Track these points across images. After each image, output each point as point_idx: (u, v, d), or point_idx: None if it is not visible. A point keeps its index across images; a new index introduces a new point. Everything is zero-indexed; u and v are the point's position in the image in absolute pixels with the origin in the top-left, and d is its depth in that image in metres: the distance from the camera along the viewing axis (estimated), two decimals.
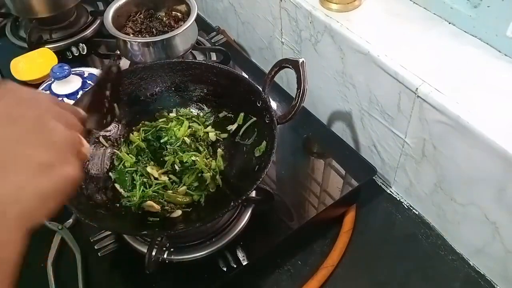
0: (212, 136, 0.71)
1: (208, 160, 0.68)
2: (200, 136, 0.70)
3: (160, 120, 0.73)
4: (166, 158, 0.68)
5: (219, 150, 0.70)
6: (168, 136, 0.70)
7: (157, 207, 0.62)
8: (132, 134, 0.71)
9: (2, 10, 1.10)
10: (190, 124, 0.71)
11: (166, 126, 0.71)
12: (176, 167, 0.67)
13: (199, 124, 0.72)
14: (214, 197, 0.65)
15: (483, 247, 0.65)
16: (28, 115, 0.38)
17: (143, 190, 0.64)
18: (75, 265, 0.66)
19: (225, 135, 0.72)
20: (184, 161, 0.67)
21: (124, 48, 0.86)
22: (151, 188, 0.64)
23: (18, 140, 0.36)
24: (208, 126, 0.73)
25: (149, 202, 0.62)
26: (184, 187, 0.65)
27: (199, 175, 0.66)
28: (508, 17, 0.59)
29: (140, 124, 0.72)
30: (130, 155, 0.68)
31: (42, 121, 0.38)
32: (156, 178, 0.66)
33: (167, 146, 0.69)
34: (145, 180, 0.65)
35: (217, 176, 0.66)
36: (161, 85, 0.74)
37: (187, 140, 0.69)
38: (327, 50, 0.76)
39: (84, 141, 0.43)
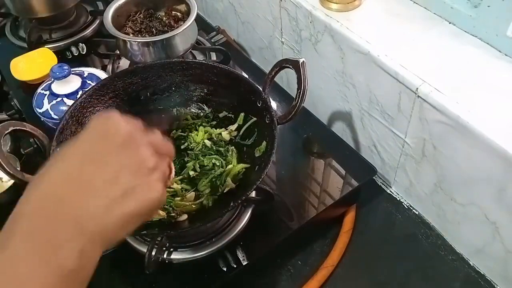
0: (225, 135, 0.71)
1: (227, 161, 0.67)
2: (215, 139, 0.70)
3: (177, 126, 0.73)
4: (187, 165, 0.67)
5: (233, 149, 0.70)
6: (188, 142, 0.70)
7: (163, 213, 0.61)
8: None
9: (2, 10, 1.10)
10: (205, 128, 0.71)
11: (184, 134, 0.71)
12: (191, 173, 0.66)
13: (211, 127, 0.72)
14: (220, 199, 0.64)
15: (483, 247, 0.65)
16: (121, 134, 0.40)
17: None
18: None
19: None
20: (205, 165, 0.66)
21: (124, 48, 0.86)
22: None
23: (108, 158, 0.38)
24: (216, 127, 0.72)
25: None
26: (193, 193, 0.64)
27: (213, 180, 0.65)
28: (509, 17, 0.59)
29: None
30: None
31: (134, 144, 0.40)
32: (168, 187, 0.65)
33: (188, 152, 0.69)
34: None
35: (228, 178, 0.65)
36: (161, 85, 0.74)
37: (208, 142, 0.69)
38: (327, 50, 0.76)
39: (173, 170, 0.46)
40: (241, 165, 0.66)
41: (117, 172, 0.38)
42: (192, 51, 0.93)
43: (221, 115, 0.74)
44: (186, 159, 0.68)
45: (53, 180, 0.36)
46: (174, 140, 0.71)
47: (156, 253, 0.61)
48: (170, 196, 0.64)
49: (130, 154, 0.39)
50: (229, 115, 0.73)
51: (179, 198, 0.64)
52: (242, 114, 0.71)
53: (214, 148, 0.69)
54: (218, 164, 0.67)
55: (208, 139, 0.70)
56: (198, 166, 0.66)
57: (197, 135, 0.70)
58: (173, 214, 0.62)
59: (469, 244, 0.68)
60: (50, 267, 0.32)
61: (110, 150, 0.39)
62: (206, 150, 0.68)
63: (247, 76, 0.71)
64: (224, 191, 0.64)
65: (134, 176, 0.39)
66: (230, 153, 0.68)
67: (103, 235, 0.36)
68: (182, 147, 0.70)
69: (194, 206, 0.63)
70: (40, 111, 0.80)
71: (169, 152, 0.45)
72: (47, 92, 0.81)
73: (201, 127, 0.72)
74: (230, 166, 0.66)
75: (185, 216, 0.62)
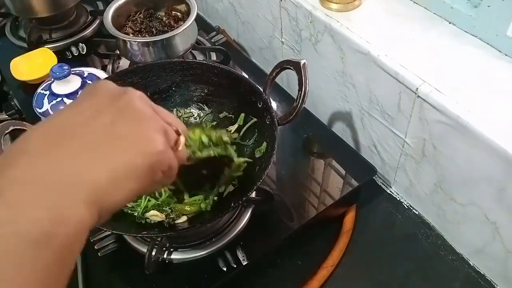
0: (225, 137, 0.71)
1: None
2: (214, 139, 0.70)
3: None
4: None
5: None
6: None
7: (161, 215, 0.61)
8: None
9: (2, 10, 1.10)
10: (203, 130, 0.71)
11: None
12: None
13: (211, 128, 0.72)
14: (220, 200, 0.64)
15: (483, 247, 0.65)
16: (109, 89, 0.36)
17: (148, 200, 0.63)
18: (75, 265, 0.66)
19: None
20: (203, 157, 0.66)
21: (124, 48, 0.86)
22: (157, 200, 0.63)
23: (99, 107, 0.34)
24: (216, 126, 0.72)
25: (152, 212, 0.61)
26: (191, 198, 0.63)
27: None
28: (509, 17, 0.59)
29: None
30: None
31: (126, 96, 0.36)
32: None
33: None
34: None
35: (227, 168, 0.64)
36: (161, 85, 0.74)
37: (205, 139, 0.69)
38: (327, 50, 0.76)
39: (182, 142, 0.40)
40: (242, 159, 0.66)
41: (109, 121, 0.33)
42: (192, 51, 0.93)
43: (221, 115, 0.74)
44: None
45: (40, 135, 0.32)
46: None
47: (156, 253, 0.61)
48: (168, 199, 0.64)
49: (122, 104, 0.35)
50: (230, 115, 0.73)
51: (176, 201, 0.63)
52: (242, 115, 0.71)
53: (212, 145, 0.68)
54: (216, 155, 0.66)
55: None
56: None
57: (193, 134, 0.70)
58: (172, 216, 0.62)
59: (469, 244, 0.68)
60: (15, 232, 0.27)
61: (101, 102, 0.35)
62: (203, 147, 0.68)
63: (247, 77, 0.71)
64: (224, 195, 0.63)
65: (127, 124, 0.34)
66: (228, 151, 0.68)
67: (91, 194, 0.30)
68: None
69: (193, 208, 0.63)
70: (40, 111, 0.80)
71: (177, 123, 0.41)
72: (47, 92, 0.81)
73: (198, 129, 0.71)
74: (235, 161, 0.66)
75: (184, 218, 0.62)
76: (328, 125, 0.87)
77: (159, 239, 0.62)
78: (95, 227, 0.31)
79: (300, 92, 0.61)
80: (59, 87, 0.80)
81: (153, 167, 0.35)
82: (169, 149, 0.37)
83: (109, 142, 0.33)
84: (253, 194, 0.68)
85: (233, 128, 0.71)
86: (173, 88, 0.74)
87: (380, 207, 0.78)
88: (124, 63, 0.94)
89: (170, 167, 0.38)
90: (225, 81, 0.71)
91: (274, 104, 0.83)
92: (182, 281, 0.63)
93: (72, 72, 0.81)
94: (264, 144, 0.65)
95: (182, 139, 0.41)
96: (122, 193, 0.33)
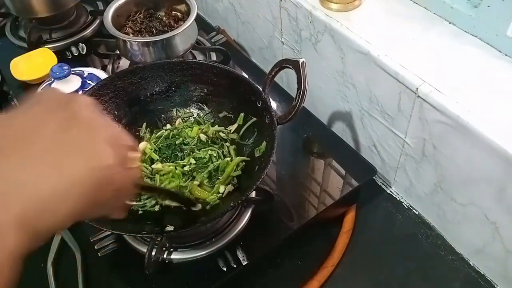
0: (222, 134, 0.71)
1: (225, 154, 0.68)
2: (211, 135, 0.70)
3: (168, 127, 0.73)
4: (184, 160, 0.67)
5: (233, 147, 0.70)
6: (182, 137, 0.70)
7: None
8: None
9: (1, 10, 1.10)
10: (200, 126, 0.71)
11: (177, 131, 0.71)
12: (187, 168, 0.66)
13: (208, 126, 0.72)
14: (221, 200, 0.64)
15: (483, 247, 0.65)
16: (57, 98, 0.33)
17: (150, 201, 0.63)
18: (75, 265, 0.66)
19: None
20: (202, 157, 0.66)
21: (124, 48, 0.86)
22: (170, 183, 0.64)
23: (43, 116, 0.31)
24: (215, 125, 0.73)
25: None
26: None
27: (213, 172, 0.65)
28: (509, 17, 0.59)
29: (150, 137, 0.72)
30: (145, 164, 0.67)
31: (75, 105, 0.33)
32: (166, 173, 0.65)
33: (182, 147, 0.69)
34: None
35: (227, 169, 0.65)
36: (161, 85, 0.74)
37: (203, 136, 0.69)
38: (327, 50, 0.76)
39: (134, 158, 0.37)
40: (240, 158, 0.66)
41: (52, 131, 0.30)
42: (192, 51, 0.93)
43: (221, 115, 0.74)
44: (179, 154, 0.68)
45: None
46: (166, 139, 0.70)
47: (156, 253, 0.61)
48: (183, 181, 0.64)
49: (69, 112, 0.32)
50: (229, 115, 0.73)
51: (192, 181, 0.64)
52: (242, 114, 0.71)
53: (209, 142, 0.69)
54: (215, 155, 0.67)
55: (203, 133, 0.70)
56: (193, 160, 0.66)
57: (191, 131, 0.70)
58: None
59: (469, 244, 0.68)
60: None
61: (46, 111, 0.32)
62: (201, 145, 0.69)
63: (247, 76, 0.71)
64: (224, 195, 0.64)
65: (72, 134, 0.31)
66: (226, 149, 0.68)
67: (27, 216, 0.27)
68: (177, 142, 0.69)
69: (204, 193, 0.63)
70: None
71: (127, 137, 0.38)
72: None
73: (196, 125, 0.72)
74: (227, 159, 0.66)
75: (199, 206, 0.61)
76: (328, 125, 0.87)
77: (159, 239, 0.62)
78: (26, 253, 0.28)
79: (299, 91, 0.61)
80: (59, 87, 0.80)
81: (99, 184, 0.31)
82: (119, 165, 0.33)
83: (49, 154, 0.29)
84: (253, 194, 0.68)
85: (232, 127, 0.71)
86: (173, 88, 0.74)
87: (380, 207, 0.78)
88: (124, 63, 0.94)
89: (121, 186, 0.34)
90: (224, 81, 0.71)
91: (274, 104, 0.83)
92: (182, 281, 0.63)
93: (72, 72, 0.81)
94: (264, 143, 0.65)
95: (134, 154, 0.38)
96: (60, 213, 0.29)
